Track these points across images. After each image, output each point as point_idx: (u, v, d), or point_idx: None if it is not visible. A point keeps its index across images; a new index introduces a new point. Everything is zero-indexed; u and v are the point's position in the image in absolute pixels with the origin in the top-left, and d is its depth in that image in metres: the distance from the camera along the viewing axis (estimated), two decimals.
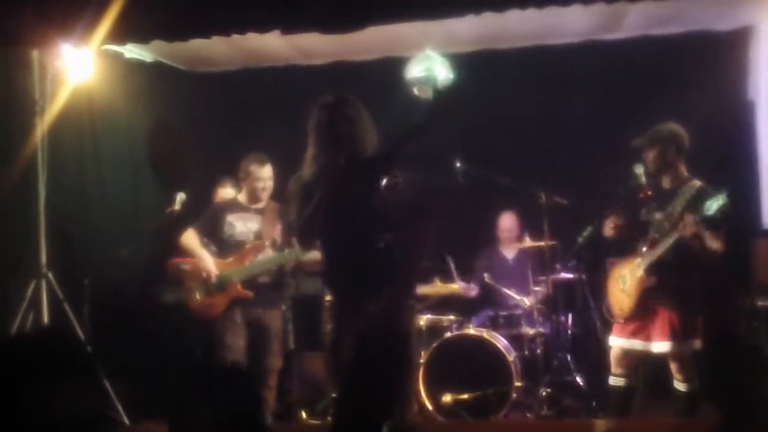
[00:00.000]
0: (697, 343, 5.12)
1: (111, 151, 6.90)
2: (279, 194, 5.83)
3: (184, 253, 5.94)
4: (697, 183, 5.18)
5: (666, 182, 5.26)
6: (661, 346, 5.11)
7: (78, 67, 6.14)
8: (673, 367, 5.19)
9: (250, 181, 5.86)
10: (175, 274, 6.37)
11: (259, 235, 5.84)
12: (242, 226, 5.85)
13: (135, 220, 6.91)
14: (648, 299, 5.15)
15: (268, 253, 5.83)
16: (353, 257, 4.25)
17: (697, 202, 5.03)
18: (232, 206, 5.95)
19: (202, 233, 5.85)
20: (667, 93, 6.73)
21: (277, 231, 5.86)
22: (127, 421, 5.74)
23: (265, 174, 5.86)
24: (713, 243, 4.99)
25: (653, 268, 5.13)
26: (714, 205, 4.87)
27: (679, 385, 5.20)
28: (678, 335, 5.07)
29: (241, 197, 5.96)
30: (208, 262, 5.74)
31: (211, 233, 5.87)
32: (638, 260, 5.20)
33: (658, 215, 5.20)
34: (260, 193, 5.87)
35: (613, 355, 5.35)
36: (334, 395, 4.21)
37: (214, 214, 5.92)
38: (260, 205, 5.91)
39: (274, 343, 5.83)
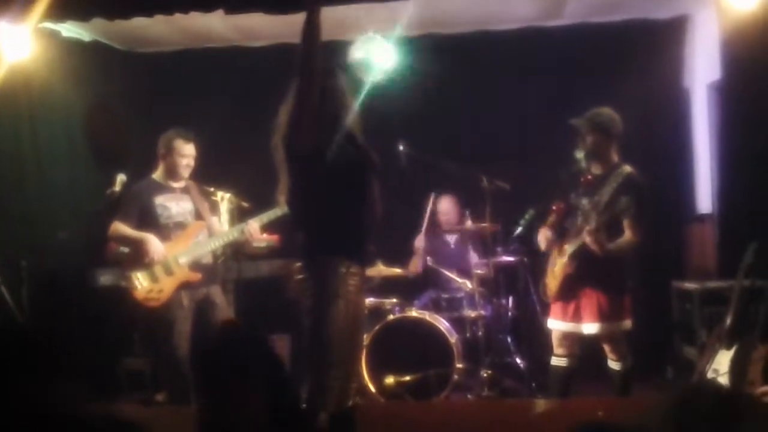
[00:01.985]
0: (627, 323, 5.24)
1: (48, 132, 6.77)
2: (205, 176, 5.74)
3: (120, 242, 5.65)
4: (627, 169, 5.23)
5: (596, 168, 5.31)
6: (590, 327, 5.21)
7: (14, 45, 6.00)
8: (606, 347, 5.30)
9: (173, 157, 5.55)
10: (115, 257, 6.29)
11: (196, 215, 5.59)
12: (176, 206, 5.54)
13: (73, 202, 6.79)
14: (573, 283, 5.25)
15: (213, 233, 5.63)
16: (360, 221, 4.19)
17: (623, 191, 5.09)
18: (154, 187, 5.58)
19: (132, 222, 5.45)
20: (605, 80, 6.83)
21: (207, 209, 5.65)
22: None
23: (189, 150, 5.58)
24: (628, 235, 5.12)
25: (575, 256, 5.22)
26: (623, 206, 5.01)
27: (613, 364, 5.31)
28: (606, 316, 5.17)
29: (158, 176, 5.61)
30: (156, 244, 5.37)
31: (143, 219, 5.47)
32: (566, 246, 5.30)
33: (584, 201, 5.28)
34: (182, 170, 5.56)
35: (554, 336, 5.44)
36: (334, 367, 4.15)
37: (138, 199, 5.51)
38: (182, 184, 5.62)
39: (224, 316, 5.60)
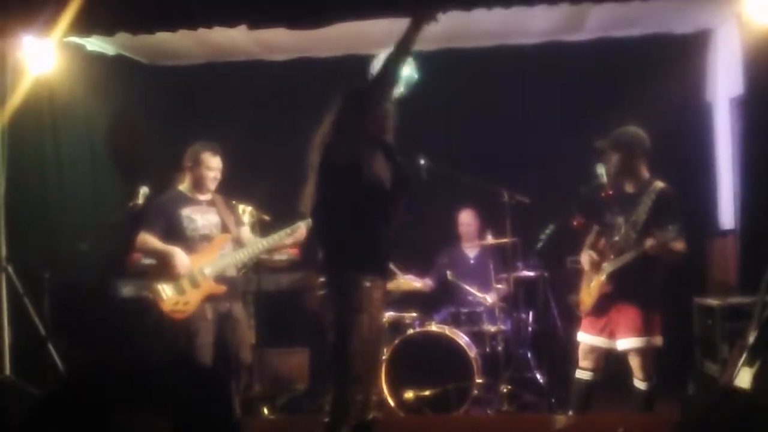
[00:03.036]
0: (658, 340, 5.20)
1: (71, 145, 6.83)
2: (225, 189, 5.75)
3: (147, 254, 5.68)
4: (659, 185, 5.24)
5: (629, 186, 5.31)
6: (624, 343, 5.18)
7: (39, 59, 6.05)
8: (634, 363, 5.25)
9: (200, 169, 5.55)
10: (137, 268, 6.33)
11: (222, 227, 5.60)
12: (202, 219, 5.54)
13: (95, 214, 6.83)
14: (608, 300, 5.24)
15: (243, 244, 5.65)
16: (386, 236, 4.27)
17: (659, 208, 5.11)
18: (180, 199, 5.59)
19: (158, 233, 5.45)
20: (627, 94, 6.83)
21: (232, 222, 5.67)
22: None
23: (216, 164, 5.59)
24: (678, 245, 5.10)
25: (614, 275, 5.22)
26: (673, 230, 4.99)
27: (639, 384, 5.26)
28: (641, 331, 5.15)
29: (185, 188, 5.62)
30: (183, 257, 5.38)
31: (170, 231, 5.47)
32: (604, 264, 5.28)
33: (620, 220, 5.27)
34: (209, 183, 5.57)
35: (581, 349, 5.41)
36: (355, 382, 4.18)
37: (164, 211, 5.52)
38: (208, 197, 5.63)
39: (246, 335, 5.64)
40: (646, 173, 5.30)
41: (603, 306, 5.27)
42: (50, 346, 5.63)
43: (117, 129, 7.15)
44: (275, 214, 5.92)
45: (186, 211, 5.52)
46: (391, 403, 6.10)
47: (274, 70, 7.75)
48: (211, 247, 5.54)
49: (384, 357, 6.13)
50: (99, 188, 7.04)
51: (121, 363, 2.19)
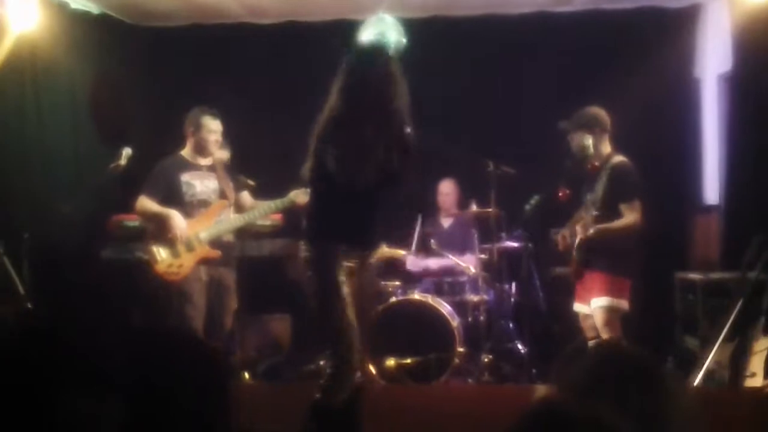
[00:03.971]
0: (624, 304, 5.27)
1: (52, 104, 6.71)
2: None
3: (145, 217, 5.66)
4: (616, 160, 5.33)
5: (597, 163, 5.40)
6: (594, 302, 5.28)
7: (21, 16, 5.95)
8: (599, 323, 5.30)
9: (202, 133, 5.58)
10: (119, 230, 6.28)
11: (220, 194, 5.62)
12: (201, 184, 5.58)
13: (76, 175, 6.75)
14: (582, 268, 5.38)
15: (244, 209, 5.69)
16: (368, 205, 4.18)
17: (613, 184, 5.24)
18: (181, 164, 5.62)
19: (157, 197, 5.50)
20: (615, 67, 6.82)
21: (231, 188, 5.68)
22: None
23: (217, 127, 5.62)
24: (623, 221, 5.21)
25: (582, 247, 5.34)
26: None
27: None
28: (605, 292, 5.24)
29: (186, 153, 5.66)
30: (180, 221, 5.42)
31: (169, 195, 5.52)
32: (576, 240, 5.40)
33: (588, 197, 5.41)
34: (211, 146, 5.60)
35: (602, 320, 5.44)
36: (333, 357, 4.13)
37: (165, 176, 5.56)
38: (209, 162, 5.66)
39: (232, 301, 5.68)
40: (607, 149, 5.41)
41: (579, 275, 5.42)
42: (29, 306, 5.58)
43: (100, 89, 7.03)
44: (261, 180, 5.88)
45: (185, 177, 5.57)
46: (373, 370, 6.11)
47: (260, 34, 7.65)
48: (209, 213, 5.58)
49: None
50: (81, 149, 6.93)
51: (69, 330, 2.04)
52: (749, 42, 6.30)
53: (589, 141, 5.40)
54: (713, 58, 7.04)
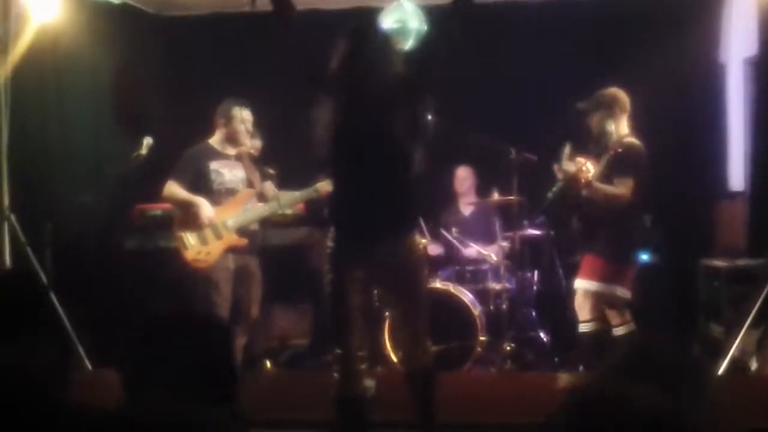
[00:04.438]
0: (617, 290, 5.27)
1: (74, 94, 6.75)
2: None
3: (173, 203, 5.69)
4: (627, 141, 5.30)
5: (610, 143, 5.39)
6: (576, 283, 5.39)
7: (43, 6, 5.97)
8: (579, 311, 5.39)
9: (234, 124, 5.62)
10: (142, 220, 6.30)
11: (247, 183, 5.68)
12: (229, 173, 5.63)
13: (98, 164, 6.78)
14: (582, 248, 5.50)
15: (269, 199, 5.71)
16: (379, 193, 3.95)
17: (614, 161, 5.26)
18: (209, 153, 5.66)
19: (185, 184, 5.53)
20: (640, 51, 6.74)
21: (257, 177, 5.71)
22: (90, 367, 5.71)
23: (248, 116, 5.67)
24: (613, 190, 5.23)
25: (580, 226, 5.51)
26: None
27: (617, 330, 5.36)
28: (597, 276, 5.28)
29: (215, 142, 5.70)
30: (208, 208, 5.47)
31: (197, 183, 5.56)
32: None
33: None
34: (243, 137, 5.64)
35: (576, 302, 5.46)
36: (338, 350, 4.05)
37: (193, 163, 5.60)
38: (234, 151, 5.69)
39: (258, 290, 5.73)
40: (624, 130, 5.39)
41: (582, 254, 5.49)
42: (52, 296, 5.60)
43: (121, 79, 7.06)
44: (284, 169, 5.89)
45: (214, 165, 5.61)
46: (394, 359, 6.09)
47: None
48: (236, 201, 5.63)
49: (387, 313, 6.11)
50: (103, 139, 6.98)
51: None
52: None
53: (611, 125, 5.37)
54: (738, 42, 6.94)
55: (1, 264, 5.59)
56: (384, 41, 4.17)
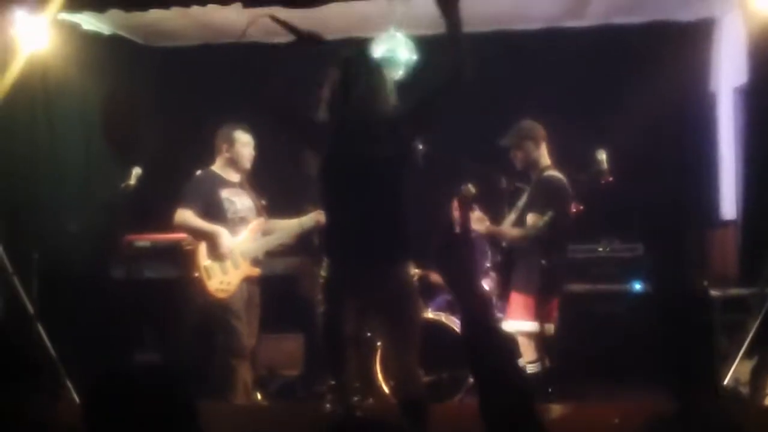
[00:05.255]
0: (525, 325, 5.43)
1: (63, 124, 6.72)
2: None
3: (188, 231, 5.66)
4: (545, 173, 5.46)
5: (534, 176, 5.56)
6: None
7: (32, 36, 5.95)
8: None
9: (236, 148, 5.62)
10: (131, 250, 6.26)
11: (256, 212, 5.72)
12: (239, 202, 5.64)
13: (86, 194, 6.74)
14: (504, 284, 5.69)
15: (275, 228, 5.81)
16: (369, 223, 3.92)
17: (533, 195, 5.45)
18: (217, 180, 5.65)
19: (198, 211, 5.51)
20: (628, 82, 6.76)
21: (261, 205, 5.77)
22: (78, 401, 5.63)
23: (249, 140, 5.68)
24: (525, 227, 5.39)
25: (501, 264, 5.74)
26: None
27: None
28: (516, 315, 5.44)
29: (218, 168, 5.68)
30: (229, 238, 5.50)
31: (210, 211, 5.54)
32: None
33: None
34: (246, 162, 5.65)
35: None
36: (332, 381, 4.03)
37: (202, 190, 5.58)
38: (239, 178, 5.71)
39: (257, 321, 5.78)
40: (546, 161, 5.55)
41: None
42: (39, 326, 5.56)
43: (111, 109, 7.04)
44: (273, 200, 5.89)
45: (225, 193, 5.61)
46: (386, 389, 6.03)
47: (272, 53, 7.61)
48: (249, 231, 5.65)
49: (379, 342, 6.05)
50: (91, 169, 6.94)
51: None
52: (765, 54, 6.22)
53: (533, 157, 5.50)
54: (728, 72, 6.96)
55: None
56: (374, 69, 4.15)
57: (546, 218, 5.21)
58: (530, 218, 5.31)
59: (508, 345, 5.08)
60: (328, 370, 4.06)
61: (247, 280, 5.60)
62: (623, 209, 6.71)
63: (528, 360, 5.46)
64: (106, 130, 7.02)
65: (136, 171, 5.86)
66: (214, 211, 5.55)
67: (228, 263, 5.51)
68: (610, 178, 5.25)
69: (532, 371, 5.44)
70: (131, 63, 7.32)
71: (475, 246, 7.05)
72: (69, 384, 5.56)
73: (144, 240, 6.10)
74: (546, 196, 5.30)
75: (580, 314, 6.51)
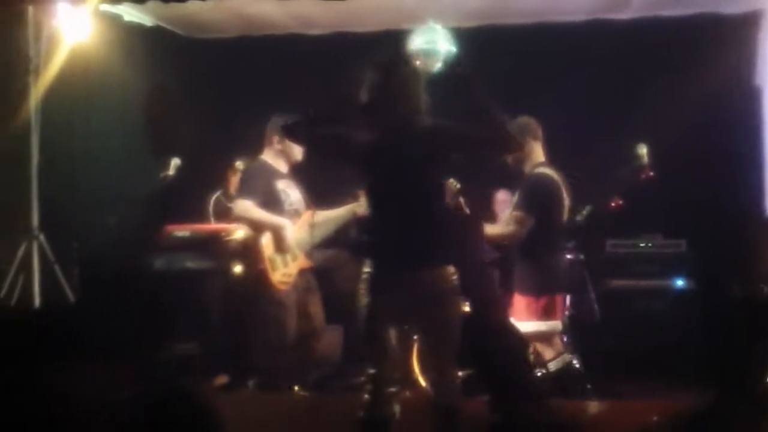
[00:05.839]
0: (534, 325, 5.32)
1: (104, 115, 6.78)
2: None
3: (250, 223, 5.60)
4: (537, 170, 5.32)
5: (525, 173, 5.42)
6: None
7: (74, 27, 6.03)
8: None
9: (288, 141, 5.52)
10: (170, 241, 6.29)
11: (305, 204, 5.72)
12: (293, 194, 5.65)
13: (125, 185, 6.79)
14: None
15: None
16: (411, 224, 3.93)
17: (519, 189, 5.32)
18: (271, 171, 5.63)
19: (258, 202, 5.49)
20: (672, 76, 6.65)
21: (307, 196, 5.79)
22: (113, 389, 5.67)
23: None
24: (508, 225, 5.30)
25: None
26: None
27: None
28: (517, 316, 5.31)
29: (269, 158, 5.65)
30: (292, 230, 5.52)
31: (268, 202, 5.52)
32: None
33: None
34: (298, 154, 5.61)
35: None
36: (371, 370, 4.04)
37: (261, 181, 5.56)
38: (286, 168, 5.69)
39: (321, 307, 5.84)
40: (538, 158, 5.41)
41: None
42: (78, 314, 5.62)
43: (151, 100, 7.09)
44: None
45: (280, 185, 5.60)
46: (423, 383, 6.00)
47: (310, 45, 7.64)
48: (302, 222, 5.65)
49: (417, 336, 6.02)
50: (131, 159, 6.99)
51: None
52: None
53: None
54: None
55: (30, 282, 5.61)
56: (413, 73, 4.13)
57: (520, 215, 5.17)
58: (512, 216, 5.27)
59: (515, 344, 5.05)
60: (366, 361, 4.04)
61: (303, 272, 5.62)
62: (666, 204, 6.61)
63: (548, 359, 5.38)
64: (146, 121, 7.07)
65: (175, 161, 5.88)
66: (272, 202, 5.53)
67: (288, 256, 5.53)
68: (651, 173, 5.18)
69: (554, 368, 5.35)
70: (172, 54, 7.36)
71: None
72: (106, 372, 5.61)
73: (183, 230, 6.10)
74: (530, 194, 5.22)
75: (620, 311, 6.45)
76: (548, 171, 5.30)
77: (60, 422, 1.92)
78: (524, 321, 5.30)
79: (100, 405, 2.08)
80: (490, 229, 5.31)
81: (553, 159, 6.36)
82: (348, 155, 4.02)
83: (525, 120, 5.42)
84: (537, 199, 5.19)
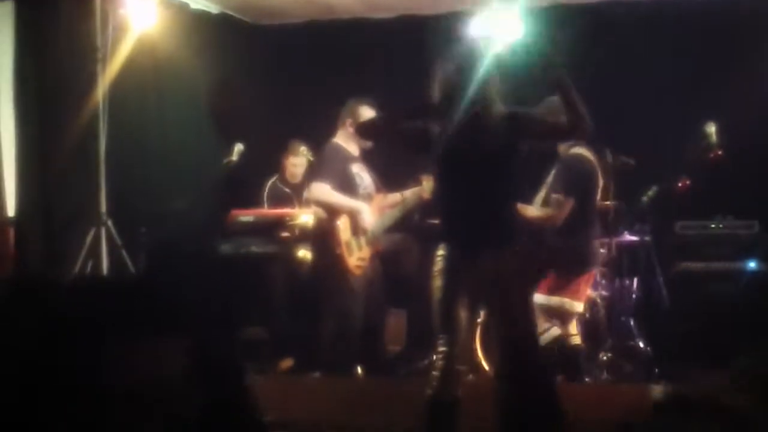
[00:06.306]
0: (574, 305, 5.39)
1: (173, 102, 6.89)
2: None
3: (327, 207, 5.64)
4: (572, 150, 5.25)
5: (561, 153, 5.34)
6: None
7: (141, 16, 6.12)
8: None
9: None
10: (235, 226, 6.36)
11: (375, 187, 5.74)
12: (366, 177, 5.68)
13: (192, 170, 6.89)
14: None
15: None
16: (485, 209, 4.05)
17: (555, 176, 5.27)
18: (345, 154, 5.64)
19: (335, 186, 5.53)
20: (743, 52, 6.45)
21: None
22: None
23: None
24: (550, 208, 5.25)
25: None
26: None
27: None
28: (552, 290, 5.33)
29: (342, 141, 5.66)
30: (369, 215, 5.56)
31: (344, 186, 5.56)
32: None
33: None
34: None
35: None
36: (441, 348, 4.13)
37: (338, 165, 5.58)
38: (357, 152, 5.69)
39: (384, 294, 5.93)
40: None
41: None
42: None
43: (218, 87, 7.17)
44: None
45: (355, 168, 5.65)
46: (486, 366, 5.97)
47: (378, 29, 7.63)
48: (375, 206, 5.69)
49: (480, 319, 5.99)
50: (200, 147, 7.09)
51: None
52: None
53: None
54: None
55: (98, 268, 5.73)
56: (483, 59, 4.13)
57: (560, 198, 5.14)
58: (553, 200, 5.19)
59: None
60: (432, 344, 4.11)
61: (375, 256, 5.66)
62: (737, 185, 6.42)
63: (566, 333, 5.46)
64: (212, 108, 7.14)
65: (238, 147, 5.94)
66: (347, 186, 5.55)
67: (362, 239, 5.55)
68: (720, 152, 5.05)
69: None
70: (239, 41, 7.43)
71: None
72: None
73: (248, 215, 6.16)
74: (570, 176, 5.15)
75: (691, 294, 6.30)
76: (584, 151, 5.20)
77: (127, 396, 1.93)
78: (542, 294, 5.31)
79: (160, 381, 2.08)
80: (529, 211, 5.25)
81: (617, 139, 6.28)
82: (425, 148, 4.10)
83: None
84: (577, 181, 5.15)
